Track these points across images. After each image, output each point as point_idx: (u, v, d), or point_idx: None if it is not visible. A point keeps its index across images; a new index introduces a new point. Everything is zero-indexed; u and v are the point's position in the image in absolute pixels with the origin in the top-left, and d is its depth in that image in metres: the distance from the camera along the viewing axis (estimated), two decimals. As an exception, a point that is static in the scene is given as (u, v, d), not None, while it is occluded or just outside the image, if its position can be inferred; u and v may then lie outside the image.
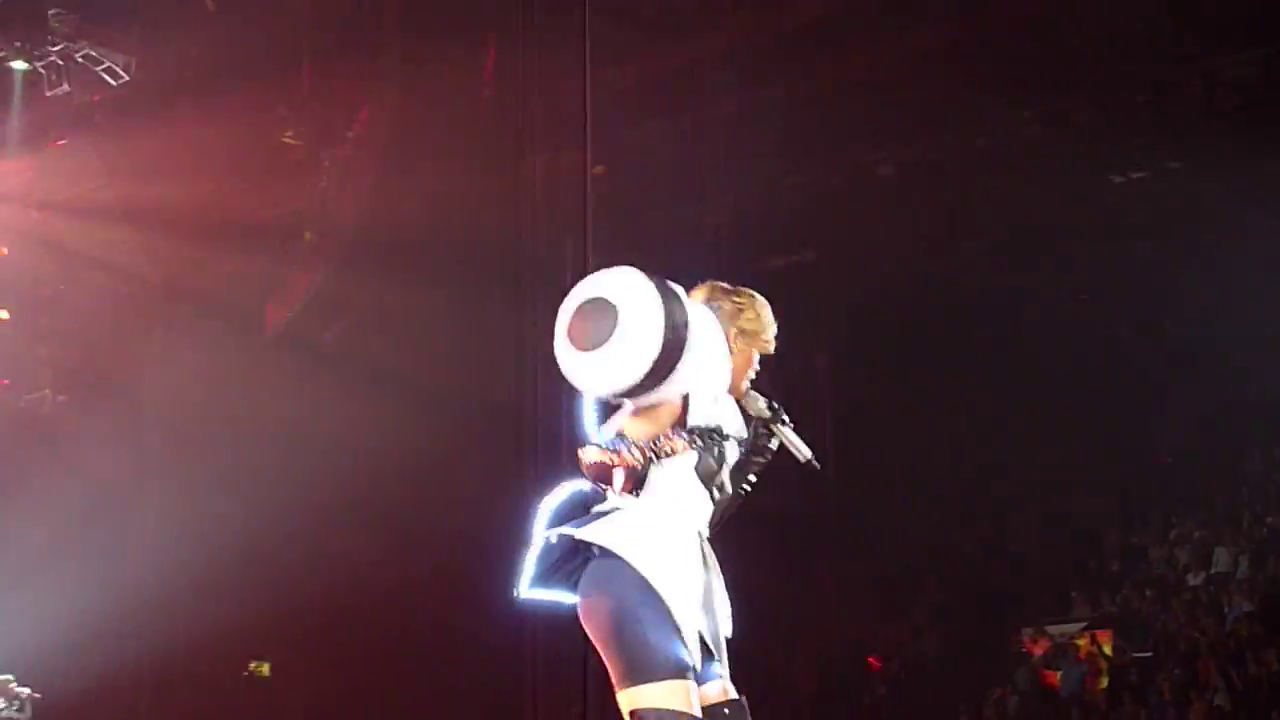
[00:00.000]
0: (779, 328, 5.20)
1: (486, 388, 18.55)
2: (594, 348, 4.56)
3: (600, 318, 4.54)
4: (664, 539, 4.67)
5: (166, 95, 18.88)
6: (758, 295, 5.16)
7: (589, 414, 4.88)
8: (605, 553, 4.66)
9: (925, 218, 22.93)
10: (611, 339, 4.53)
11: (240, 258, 20.48)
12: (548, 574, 4.76)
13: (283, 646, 22.09)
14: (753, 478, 5.03)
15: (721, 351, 4.81)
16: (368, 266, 20.09)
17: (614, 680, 4.59)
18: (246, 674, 22.44)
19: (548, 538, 4.75)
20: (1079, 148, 21.19)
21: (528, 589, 4.78)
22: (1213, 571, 23.58)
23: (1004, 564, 27.01)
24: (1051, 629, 24.45)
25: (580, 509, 4.80)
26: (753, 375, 5.08)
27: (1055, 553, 26.66)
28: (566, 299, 4.68)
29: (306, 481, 20.45)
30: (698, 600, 4.70)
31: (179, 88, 19.10)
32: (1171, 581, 23.82)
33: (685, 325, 4.58)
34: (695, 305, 4.77)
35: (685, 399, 4.72)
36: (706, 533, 4.89)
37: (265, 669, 22.52)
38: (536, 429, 14.98)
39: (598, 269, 4.86)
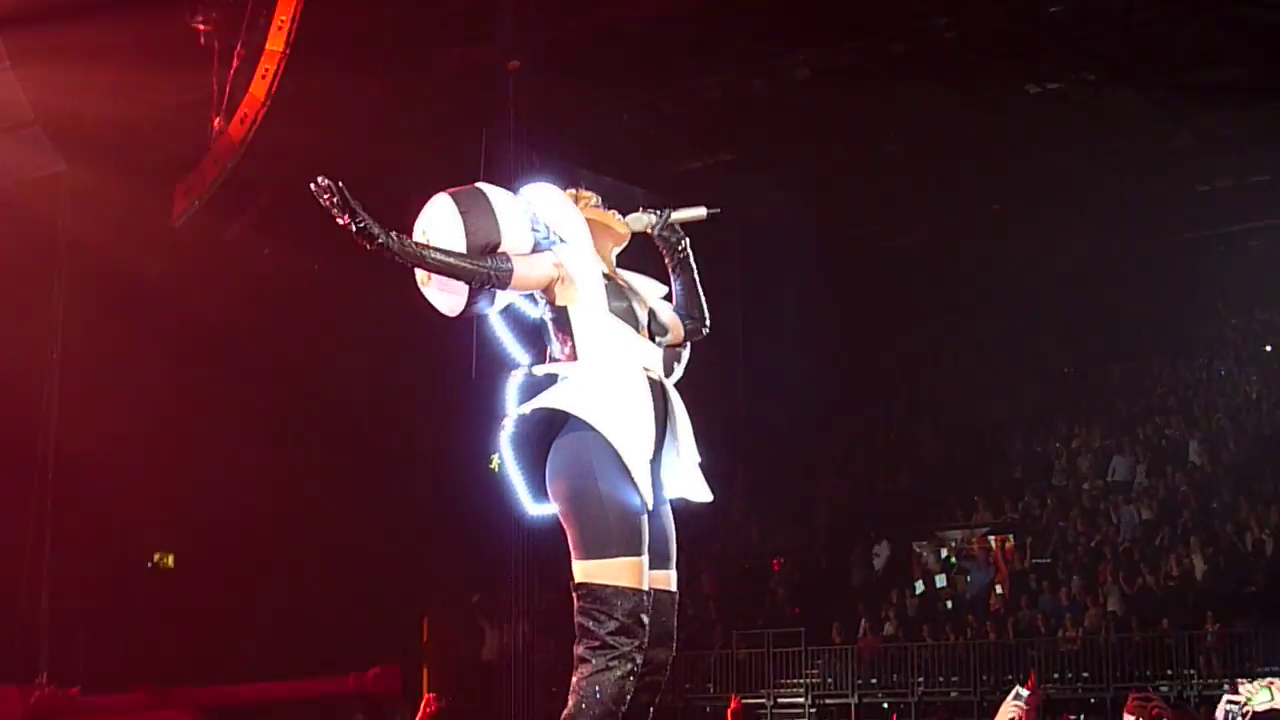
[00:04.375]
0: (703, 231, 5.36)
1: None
2: (427, 281, 4.91)
3: None
4: (605, 385, 4.83)
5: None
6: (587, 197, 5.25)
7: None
8: (562, 427, 4.82)
9: (843, 121, 22.87)
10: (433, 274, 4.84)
11: (147, 144, 20.03)
12: (535, 485, 4.92)
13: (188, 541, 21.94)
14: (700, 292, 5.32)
15: (518, 218, 4.93)
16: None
17: (572, 549, 4.74)
18: (151, 565, 22.29)
19: (515, 456, 4.92)
20: (995, 56, 21.17)
21: (534, 507, 4.96)
22: (1111, 479, 24.00)
23: (908, 470, 27.31)
24: (954, 534, 24.81)
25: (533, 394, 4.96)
26: (617, 226, 5.21)
27: (959, 459, 27.00)
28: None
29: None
30: (650, 435, 4.85)
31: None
32: (1072, 489, 24.20)
33: (488, 223, 4.85)
34: (496, 195, 4.95)
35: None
36: (660, 373, 5.02)
37: (170, 560, 22.40)
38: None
39: (512, 163, 5.08)
